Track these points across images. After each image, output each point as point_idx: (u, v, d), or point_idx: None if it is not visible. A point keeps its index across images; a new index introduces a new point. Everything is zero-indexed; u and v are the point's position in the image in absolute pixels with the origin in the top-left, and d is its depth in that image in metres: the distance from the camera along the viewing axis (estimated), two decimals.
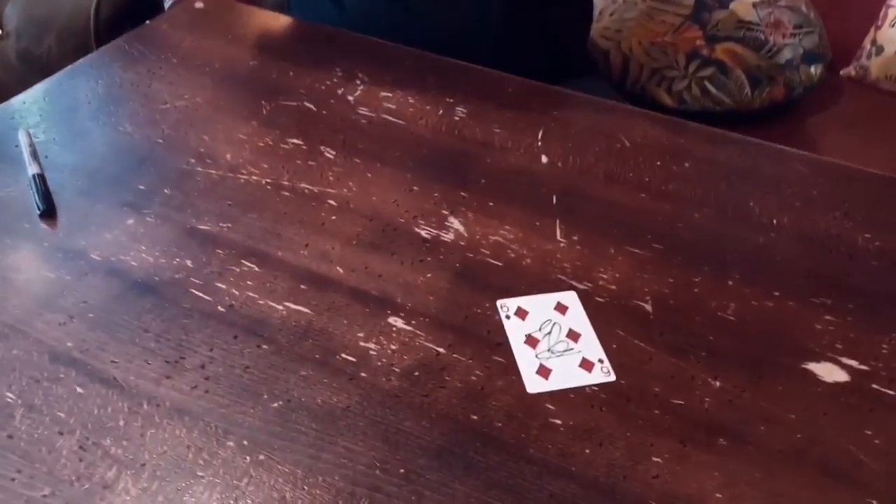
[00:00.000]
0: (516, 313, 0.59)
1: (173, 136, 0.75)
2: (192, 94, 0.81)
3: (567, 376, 0.55)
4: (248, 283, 0.60)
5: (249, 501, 0.47)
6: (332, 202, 0.68)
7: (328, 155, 0.74)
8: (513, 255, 0.64)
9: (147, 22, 0.92)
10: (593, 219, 0.68)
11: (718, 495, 0.49)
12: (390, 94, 0.82)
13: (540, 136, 0.77)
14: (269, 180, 0.70)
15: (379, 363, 0.55)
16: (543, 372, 0.55)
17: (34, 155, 0.70)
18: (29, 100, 0.79)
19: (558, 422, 0.52)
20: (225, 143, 0.74)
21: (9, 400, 0.52)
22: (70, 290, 0.59)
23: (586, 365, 0.56)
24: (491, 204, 0.69)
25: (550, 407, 0.53)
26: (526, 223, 0.67)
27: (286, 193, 0.69)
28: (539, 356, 0.56)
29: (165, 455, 0.49)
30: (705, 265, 0.64)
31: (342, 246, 0.64)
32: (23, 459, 0.49)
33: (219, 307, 0.58)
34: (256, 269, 0.62)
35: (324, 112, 0.79)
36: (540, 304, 0.60)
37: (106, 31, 1.12)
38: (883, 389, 0.55)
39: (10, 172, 0.69)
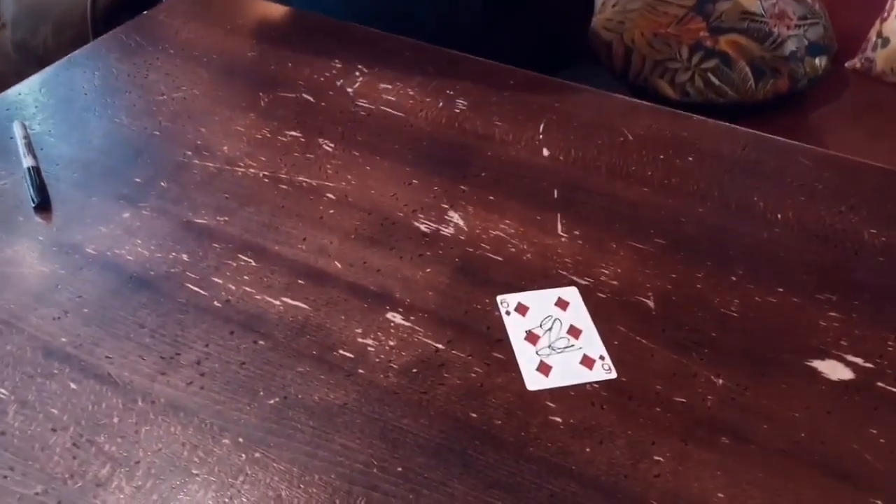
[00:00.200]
0: (516, 309, 0.58)
1: (170, 128, 0.74)
2: (189, 85, 0.80)
3: (567, 373, 0.54)
4: (245, 277, 0.60)
5: (245, 500, 0.46)
6: (330, 195, 0.67)
7: (327, 147, 0.73)
8: (513, 250, 0.63)
9: (144, 12, 0.91)
10: (595, 213, 0.67)
11: (720, 495, 0.48)
12: (390, 86, 0.81)
13: (541, 129, 0.76)
14: (266, 173, 0.69)
15: (377, 359, 0.54)
16: (544, 369, 0.54)
17: (29, 147, 0.70)
18: (24, 91, 0.78)
19: (558, 420, 0.51)
20: (222, 136, 0.73)
21: (2, 396, 0.51)
22: (64, 284, 0.59)
23: (587, 362, 0.55)
24: (491, 198, 0.68)
25: (550, 404, 0.52)
26: (527, 217, 0.66)
27: (284, 186, 0.68)
28: (539, 353, 0.55)
29: (160, 452, 0.48)
30: (708, 260, 0.63)
31: (340, 240, 0.63)
32: (15, 456, 0.48)
33: (215, 302, 0.58)
34: (253, 263, 0.61)
35: (322, 104, 0.78)
36: (540, 300, 0.59)
37: (103, 22, 1.11)
38: (888, 387, 0.54)
39: (5, 165, 0.69)
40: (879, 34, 1.40)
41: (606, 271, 0.62)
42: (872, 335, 0.58)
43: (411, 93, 0.80)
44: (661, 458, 0.50)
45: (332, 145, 0.73)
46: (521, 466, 0.49)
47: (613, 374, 0.54)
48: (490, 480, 0.48)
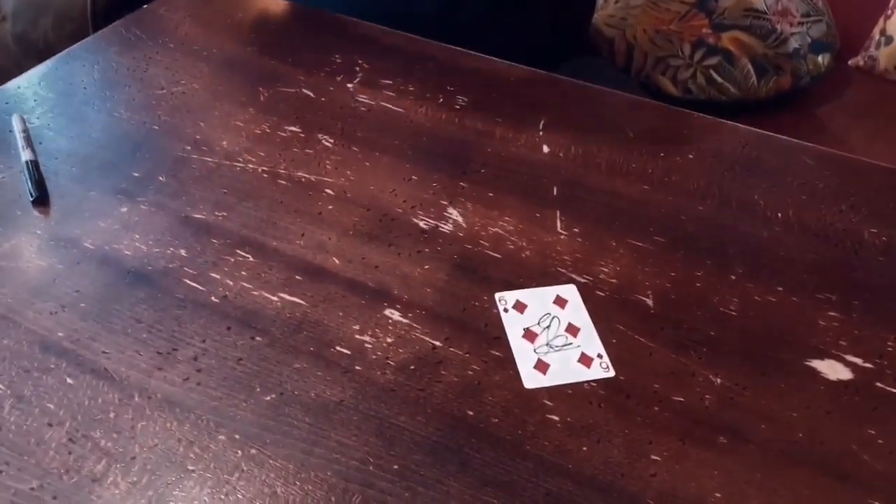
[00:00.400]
0: (515, 306, 0.58)
1: (169, 123, 0.74)
2: (189, 79, 0.80)
3: (565, 371, 0.54)
4: (243, 273, 0.59)
5: (240, 496, 0.46)
6: (329, 191, 0.67)
7: (326, 143, 0.72)
8: (512, 247, 0.63)
9: (144, 6, 0.91)
10: (594, 210, 0.67)
11: (718, 494, 0.48)
12: (390, 82, 0.81)
13: (541, 126, 0.76)
14: (265, 168, 0.69)
15: (374, 356, 0.54)
16: (541, 367, 0.54)
17: (28, 141, 0.69)
18: (24, 84, 0.78)
19: (555, 418, 0.51)
20: (221, 130, 0.73)
21: None
22: (62, 278, 0.58)
23: (585, 360, 0.55)
24: (491, 194, 0.68)
25: (548, 402, 0.52)
26: (526, 214, 0.66)
27: (283, 182, 0.68)
28: (537, 350, 0.55)
29: (156, 448, 0.48)
30: (708, 259, 0.63)
31: (339, 236, 0.63)
32: (11, 451, 0.48)
33: (212, 298, 0.58)
34: (251, 259, 0.61)
35: (322, 99, 0.78)
36: (539, 298, 0.59)
37: (103, 15, 1.11)
38: (888, 388, 0.54)
39: (3, 158, 0.68)
40: (883, 32, 1.40)
41: (605, 269, 0.61)
42: (872, 335, 0.57)
43: (412, 89, 0.80)
44: (658, 458, 0.49)
45: (331, 141, 0.73)
46: (517, 464, 0.49)
47: (611, 373, 0.54)
48: (486, 478, 0.48)
